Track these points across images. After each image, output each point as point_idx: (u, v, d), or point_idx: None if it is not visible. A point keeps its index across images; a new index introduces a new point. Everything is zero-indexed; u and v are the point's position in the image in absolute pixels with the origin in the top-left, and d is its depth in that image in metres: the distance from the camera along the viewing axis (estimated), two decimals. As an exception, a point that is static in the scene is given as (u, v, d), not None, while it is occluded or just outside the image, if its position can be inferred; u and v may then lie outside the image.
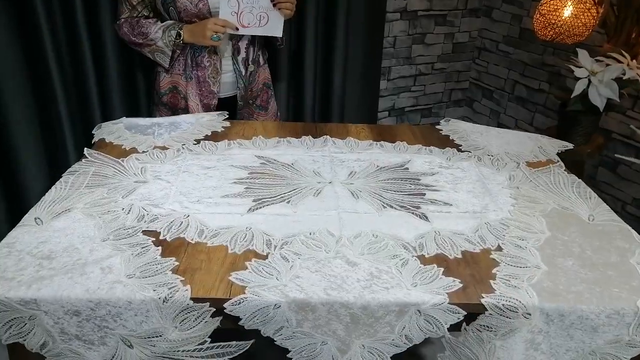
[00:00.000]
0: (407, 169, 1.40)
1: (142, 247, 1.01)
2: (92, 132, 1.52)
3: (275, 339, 0.95)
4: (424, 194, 1.27)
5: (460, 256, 1.05)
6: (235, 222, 1.12)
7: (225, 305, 0.91)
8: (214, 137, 1.52)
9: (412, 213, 1.19)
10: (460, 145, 1.55)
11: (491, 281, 0.98)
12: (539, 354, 0.97)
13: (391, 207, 1.21)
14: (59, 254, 0.98)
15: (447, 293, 0.94)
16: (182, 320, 0.92)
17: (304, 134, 1.57)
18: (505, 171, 1.41)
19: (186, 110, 1.72)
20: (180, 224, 1.10)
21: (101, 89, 1.89)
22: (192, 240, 1.05)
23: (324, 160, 1.41)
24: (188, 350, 0.94)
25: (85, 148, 1.38)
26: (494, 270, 1.01)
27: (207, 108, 1.74)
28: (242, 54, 1.74)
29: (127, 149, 1.42)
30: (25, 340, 0.90)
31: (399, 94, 2.75)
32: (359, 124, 1.71)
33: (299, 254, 1.02)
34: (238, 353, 0.98)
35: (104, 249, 1.00)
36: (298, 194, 1.24)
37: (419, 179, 1.34)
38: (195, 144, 1.46)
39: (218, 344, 0.96)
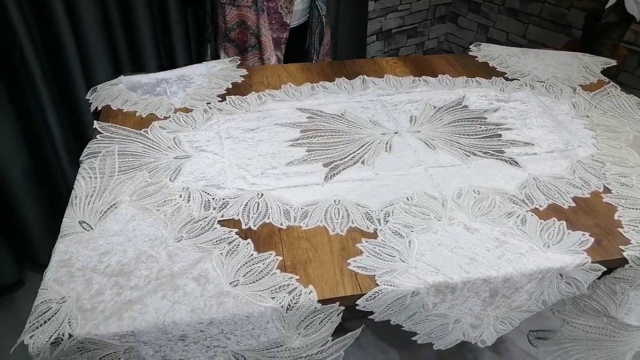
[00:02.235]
0: (465, 106, 1.27)
1: (229, 243, 0.84)
2: (87, 97, 1.26)
3: (403, 325, 0.85)
4: (500, 135, 1.16)
5: (573, 204, 0.97)
6: (318, 194, 0.96)
7: (358, 302, 0.78)
8: (237, 89, 1.30)
9: (500, 159, 1.08)
10: (505, 73, 1.43)
11: (620, 229, 0.91)
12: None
13: (474, 154, 1.09)
14: (132, 266, 0.79)
15: (584, 251, 0.86)
16: (307, 326, 0.78)
17: (333, 74, 1.39)
18: (565, 98, 1.32)
19: (258, 48, 1.50)
20: (258, 206, 0.93)
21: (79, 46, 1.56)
22: (281, 225, 0.89)
23: (375, 106, 1.25)
24: (310, 355, 0.82)
25: (96, 121, 1.13)
26: (615, 217, 0.94)
27: (277, 43, 1.52)
28: None
29: (144, 116, 1.18)
30: (120, 377, 0.74)
31: (386, 14, 2.54)
32: (384, 57, 1.53)
33: (410, 226, 0.89)
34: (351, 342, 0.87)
35: (184, 252, 0.82)
36: (368, 150, 1.09)
37: (484, 118, 1.22)
38: (221, 101, 1.24)
39: (336, 340, 0.84)
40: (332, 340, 0.82)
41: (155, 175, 0.99)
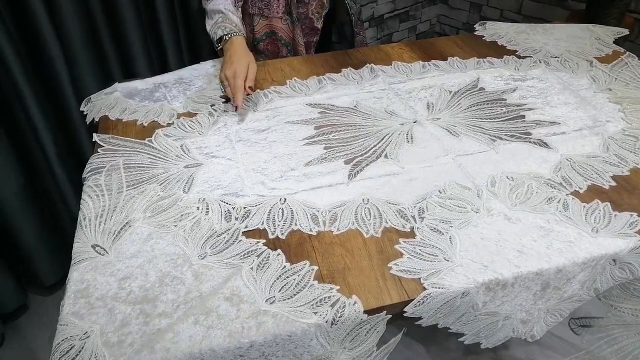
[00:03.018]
0: (482, 88, 1.21)
1: (258, 256, 0.78)
2: (82, 108, 1.18)
3: (450, 327, 0.79)
4: (523, 117, 1.10)
5: (613, 183, 0.92)
6: (345, 194, 0.90)
7: (406, 309, 0.72)
8: (240, 89, 1.23)
9: (528, 142, 1.02)
10: (516, 51, 1.37)
11: (667, 207, 0.86)
12: None
13: (500, 139, 1.03)
14: (156, 290, 0.73)
15: (637, 233, 0.81)
16: (353, 339, 0.72)
17: (338, 65, 1.32)
18: (582, 72, 1.26)
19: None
20: (283, 213, 0.86)
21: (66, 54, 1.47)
22: (311, 231, 0.83)
23: (388, 95, 1.19)
24: (356, 368, 0.76)
25: (95, 134, 1.06)
26: (660, 193, 0.89)
27: (307, 48, 1.44)
28: None
29: (146, 124, 1.10)
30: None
31: (377, 0, 2.46)
32: (391, 43, 1.47)
33: (448, 222, 0.83)
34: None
35: (210, 270, 0.76)
36: (389, 143, 1.03)
37: (504, 99, 1.17)
38: (225, 102, 1.17)
39: (380, 348, 0.78)
40: (377, 350, 0.76)
41: (167, 187, 0.92)
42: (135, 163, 0.98)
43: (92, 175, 0.95)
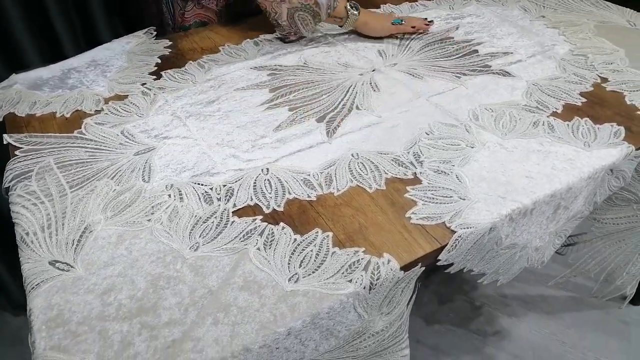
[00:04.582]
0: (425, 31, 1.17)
1: (260, 235, 0.67)
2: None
3: (474, 270, 0.75)
4: (476, 51, 1.08)
5: (583, 99, 0.93)
6: (331, 153, 0.81)
7: (440, 256, 0.66)
8: (169, 63, 1.08)
9: (492, 73, 1.00)
10: (443, -8, 1.36)
11: (638, 113, 0.89)
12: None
13: (464, 74, 1.00)
14: (152, 297, 0.59)
15: (623, 140, 0.82)
16: (389, 302, 0.65)
17: (268, 27, 1.21)
18: (512, 4, 1.28)
19: None
20: (271, 184, 0.75)
21: None
22: (309, 197, 0.73)
23: (334, 50, 1.11)
24: (393, 334, 0.69)
25: (5, 135, 0.86)
26: (627, 101, 0.91)
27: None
28: None
29: (68, 115, 0.92)
30: None
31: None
32: None
33: (448, 161, 0.78)
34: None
35: (210, 260, 0.64)
36: (356, 95, 0.95)
37: (451, 37, 1.14)
38: (157, 79, 1.02)
39: (408, 307, 0.72)
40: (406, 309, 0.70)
41: (122, 180, 0.76)
42: (70, 160, 0.81)
43: (18, 183, 0.76)
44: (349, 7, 1.08)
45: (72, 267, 0.63)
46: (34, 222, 0.69)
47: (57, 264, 0.63)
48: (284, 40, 1.13)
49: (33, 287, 0.60)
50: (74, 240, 0.66)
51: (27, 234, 0.67)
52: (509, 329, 1.40)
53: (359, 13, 1.09)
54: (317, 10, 1.05)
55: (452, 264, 0.68)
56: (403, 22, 1.11)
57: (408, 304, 0.69)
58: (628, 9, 1.21)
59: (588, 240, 1.01)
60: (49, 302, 0.59)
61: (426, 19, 1.15)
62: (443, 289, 1.51)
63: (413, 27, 1.12)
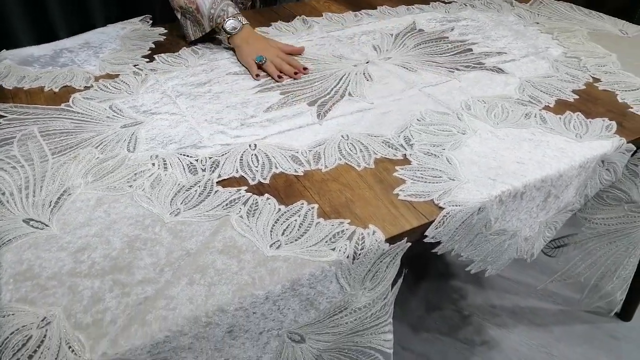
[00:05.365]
0: (421, 30, 1.18)
1: (244, 204, 0.65)
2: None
3: (462, 254, 0.73)
4: (471, 49, 1.09)
5: (576, 96, 0.92)
6: (321, 134, 0.80)
7: (427, 232, 0.64)
8: (163, 48, 1.08)
9: (486, 69, 1.01)
10: (440, -2, 1.37)
11: (630, 110, 0.88)
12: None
13: (458, 70, 1.00)
14: (127, 257, 0.57)
15: (615, 134, 0.81)
16: (373, 276, 0.63)
17: (266, 21, 1.22)
18: (507, 12, 1.29)
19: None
20: (258, 159, 0.74)
21: None
22: (296, 171, 0.72)
23: (330, 42, 1.11)
24: (375, 314, 0.67)
25: (-9, 102, 0.84)
26: (619, 100, 0.91)
27: None
28: None
29: (56, 89, 0.91)
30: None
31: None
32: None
33: (439, 145, 0.77)
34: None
35: (190, 226, 0.62)
36: (349, 83, 0.95)
37: (446, 37, 1.15)
38: (149, 62, 1.01)
39: (393, 289, 0.70)
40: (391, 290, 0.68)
41: (106, 149, 0.75)
42: (55, 129, 0.79)
43: (0, 148, 0.74)
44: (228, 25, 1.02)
45: (46, 225, 0.61)
46: (12, 183, 0.67)
47: (31, 222, 0.61)
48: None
49: (4, 243, 0.58)
50: (51, 202, 0.64)
51: (3, 194, 0.65)
52: (498, 339, 1.37)
53: (240, 28, 1.02)
54: (199, 18, 1.03)
55: (439, 243, 0.67)
56: (263, 62, 0.96)
57: (393, 285, 0.67)
58: (620, 19, 1.22)
59: (579, 242, 0.99)
60: (20, 257, 0.57)
61: (305, 67, 0.98)
62: (432, 297, 1.48)
63: (279, 77, 0.95)
